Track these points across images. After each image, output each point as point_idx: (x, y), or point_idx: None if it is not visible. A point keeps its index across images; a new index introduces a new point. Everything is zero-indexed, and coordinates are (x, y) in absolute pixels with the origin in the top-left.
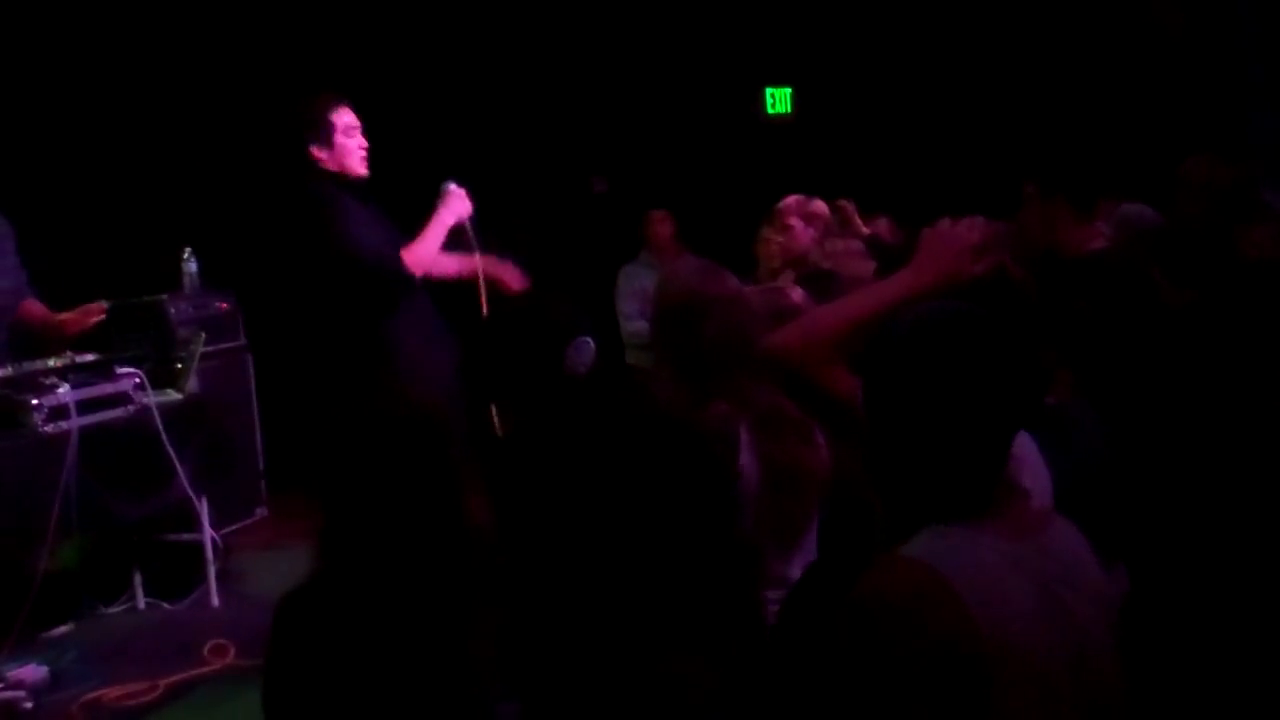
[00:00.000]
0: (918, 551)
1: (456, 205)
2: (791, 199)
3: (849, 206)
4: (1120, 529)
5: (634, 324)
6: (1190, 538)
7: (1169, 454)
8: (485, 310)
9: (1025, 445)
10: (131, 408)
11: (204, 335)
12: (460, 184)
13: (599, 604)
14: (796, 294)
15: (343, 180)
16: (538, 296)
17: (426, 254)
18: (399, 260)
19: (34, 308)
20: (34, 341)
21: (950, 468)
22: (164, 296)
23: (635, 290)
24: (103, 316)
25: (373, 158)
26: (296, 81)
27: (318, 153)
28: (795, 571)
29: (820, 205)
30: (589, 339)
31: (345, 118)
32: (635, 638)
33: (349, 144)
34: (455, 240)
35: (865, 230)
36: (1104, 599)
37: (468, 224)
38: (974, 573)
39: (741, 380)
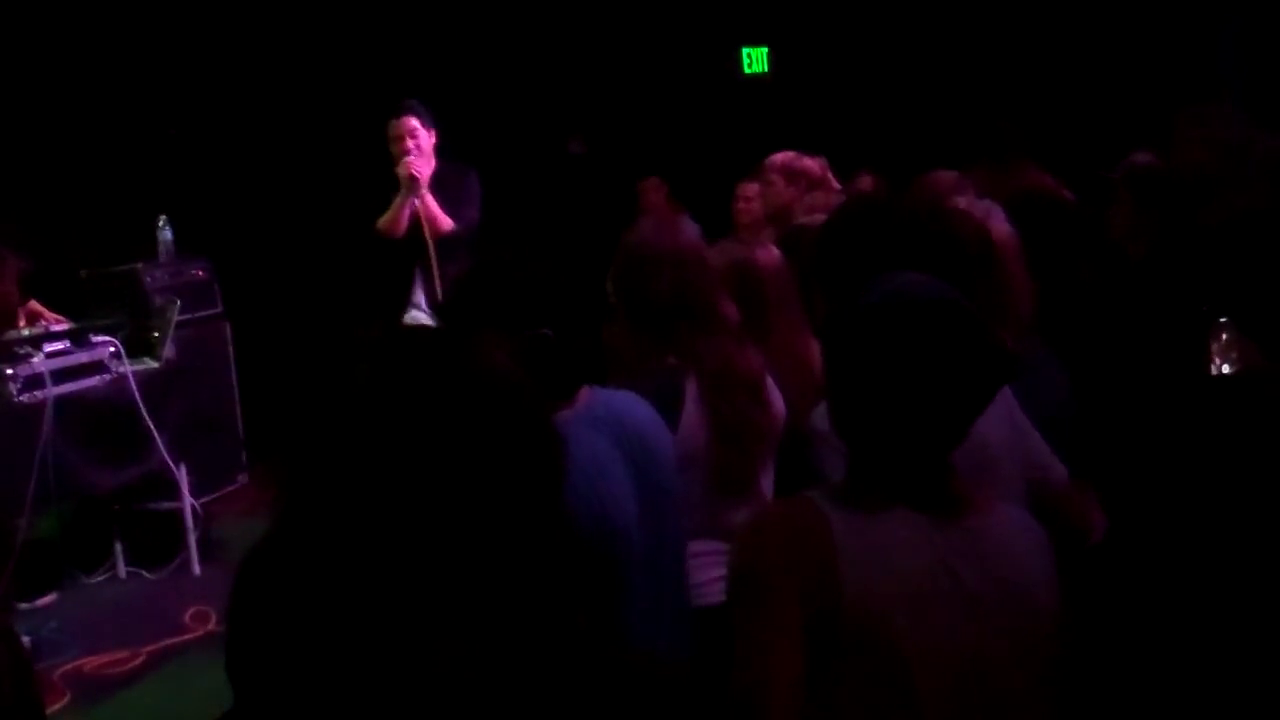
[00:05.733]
0: (821, 494)
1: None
2: (782, 155)
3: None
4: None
5: None
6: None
7: (1129, 402)
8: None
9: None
10: (108, 376)
11: (179, 303)
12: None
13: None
14: (770, 253)
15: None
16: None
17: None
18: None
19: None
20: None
21: (898, 446)
22: (139, 264)
23: None
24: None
25: (346, 120)
26: (269, 50)
27: None
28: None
29: (809, 162)
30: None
31: (390, 130)
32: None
33: (394, 152)
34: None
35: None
36: (1024, 598)
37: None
38: (861, 525)
39: (693, 336)
